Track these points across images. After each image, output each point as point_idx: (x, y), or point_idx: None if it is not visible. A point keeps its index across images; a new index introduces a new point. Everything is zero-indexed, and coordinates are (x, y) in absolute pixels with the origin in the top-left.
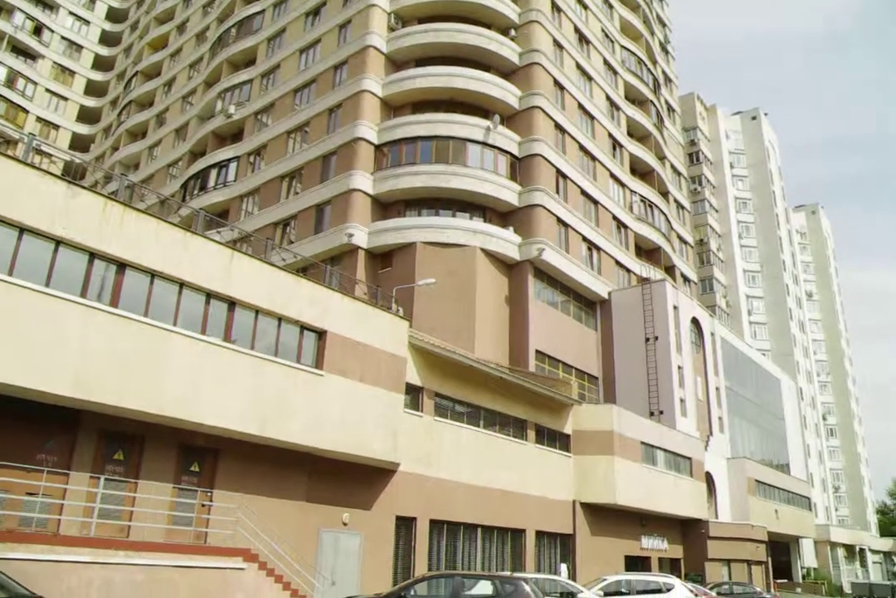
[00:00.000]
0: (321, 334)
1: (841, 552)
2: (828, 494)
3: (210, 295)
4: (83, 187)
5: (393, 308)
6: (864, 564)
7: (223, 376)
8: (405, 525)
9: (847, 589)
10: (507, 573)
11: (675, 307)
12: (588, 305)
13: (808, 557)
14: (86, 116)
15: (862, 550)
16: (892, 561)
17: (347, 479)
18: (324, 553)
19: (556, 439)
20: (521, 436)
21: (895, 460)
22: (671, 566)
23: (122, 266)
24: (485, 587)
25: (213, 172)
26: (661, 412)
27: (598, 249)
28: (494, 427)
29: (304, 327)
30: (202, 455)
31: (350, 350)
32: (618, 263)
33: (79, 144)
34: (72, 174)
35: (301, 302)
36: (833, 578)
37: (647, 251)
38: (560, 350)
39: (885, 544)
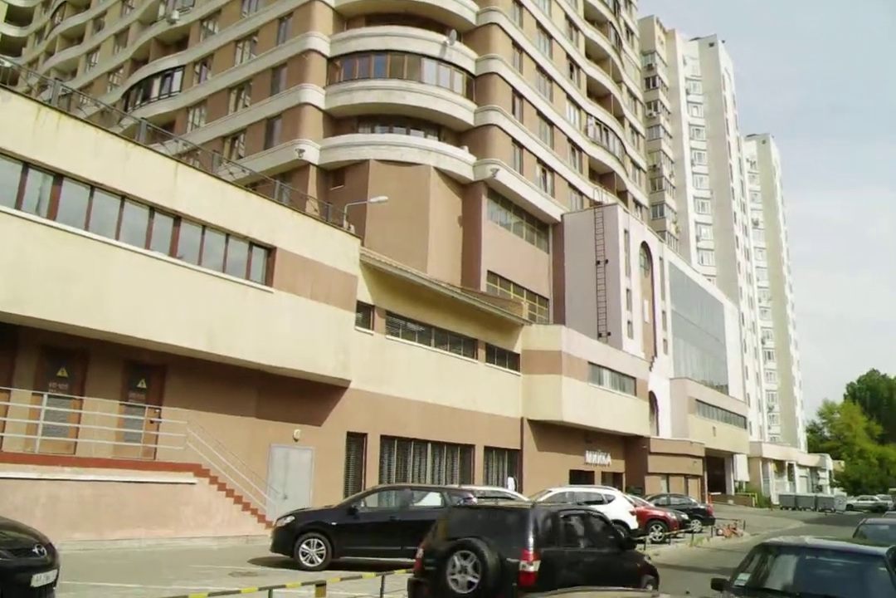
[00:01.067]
0: (271, 251)
1: (771, 467)
2: (762, 413)
3: (154, 209)
4: (13, 92)
5: (344, 226)
6: (791, 478)
7: (170, 293)
8: (356, 441)
9: (775, 501)
10: (456, 486)
11: (625, 231)
12: (541, 227)
13: (741, 471)
14: (15, 16)
15: (791, 465)
16: (817, 476)
17: (298, 395)
18: (275, 468)
19: (505, 359)
20: (471, 355)
21: (826, 382)
22: (613, 479)
23: (59, 177)
24: (434, 498)
25: (157, 82)
26: (609, 334)
27: (553, 171)
28: (446, 346)
29: (253, 244)
30: (149, 372)
31: (300, 267)
32: (571, 186)
33: (8, 46)
34: (0, 78)
35: (250, 218)
36: (763, 491)
37: (600, 175)
38: (512, 271)
39: (812, 460)
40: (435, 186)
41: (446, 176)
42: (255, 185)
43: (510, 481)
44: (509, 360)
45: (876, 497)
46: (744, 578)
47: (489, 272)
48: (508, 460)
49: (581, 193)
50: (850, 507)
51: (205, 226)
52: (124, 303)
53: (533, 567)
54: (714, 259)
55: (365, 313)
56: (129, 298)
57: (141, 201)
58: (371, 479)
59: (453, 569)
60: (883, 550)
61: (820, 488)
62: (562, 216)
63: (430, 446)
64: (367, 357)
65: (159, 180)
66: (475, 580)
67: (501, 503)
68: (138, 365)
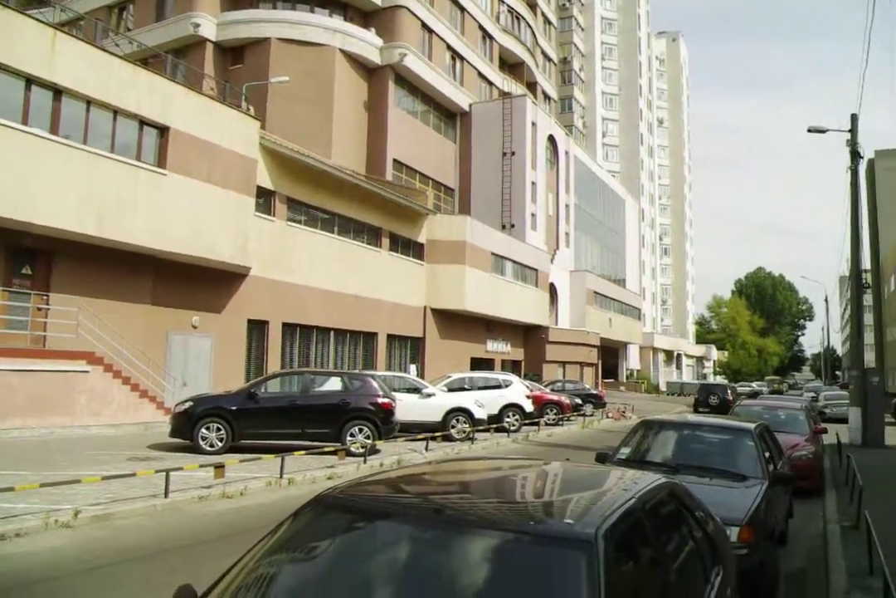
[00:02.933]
0: (163, 131)
1: (661, 357)
2: (656, 306)
3: (31, 81)
4: None
5: (243, 107)
6: (679, 367)
7: (53, 173)
8: (257, 328)
9: (663, 388)
10: (357, 371)
11: (533, 124)
12: (449, 116)
13: (633, 360)
14: None
15: (679, 355)
16: (702, 365)
17: (196, 282)
18: (173, 355)
19: (410, 248)
20: (375, 244)
21: (716, 278)
22: (513, 367)
23: None
24: (334, 383)
25: None
26: (513, 226)
27: (462, 59)
28: (349, 234)
29: (143, 122)
30: (34, 257)
31: (196, 149)
32: (481, 75)
33: None
34: None
35: (140, 94)
36: (652, 378)
37: (510, 65)
38: (418, 160)
39: (699, 350)
40: (340, 70)
41: (352, 59)
42: (145, 61)
43: (412, 367)
44: (413, 249)
45: (753, 384)
46: (626, 451)
47: (395, 161)
48: (411, 348)
49: (490, 83)
50: None
51: (90, 102)
52: (1, 183)
53: None
54: (618, 156)
55: (265, 199)
56: (6, 177)
57: (15, 72)
58: (273, 366)
59: None
60: (751, 425)
61: (704, 376)
62: (470, 106)
63: (332, 333)
64: (267, 244)
65: (35, 49)
66: None
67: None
68: (22, 250)
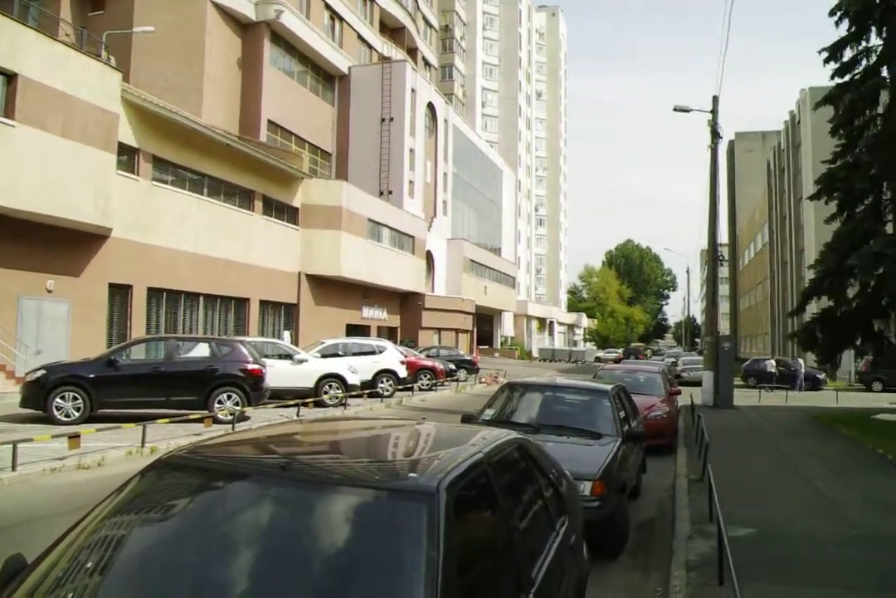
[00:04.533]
0: (11, 78)
1: (535, 324)
2: (530, 275)
3: None
4: None
5: (103, 56)
6: (551, 333)
7: None
8: (120, 293)
9: (536, 354)
10: (226, 337)
11: (413, 90)
12: (327, 79)
13: (507, 327)
14: None
15: (552, 322)
16: (573, 332)
17: (51, 244)
18: (26, 321)
19: (284, 212)
20: (247, 207)
21: (588, 248)
22: (389, 333)
23: None
24: (202, 349)
25: None
26: (391, 192)
27: (342, 20)
28: (220, 197)
29: None
30: None
31: (50, 100)
32: (361, 38)
33: None
34: None
35: None
36: (526, 345)
37: (391, 30)
38: (294, 123)
39: (570, 318)
40: (212, 24)
41: (225, 13)
42: None
43: (286, 334)
44: (288, 213)
45: (619, 350)
46: (490, 413)
47: (270, 122)
48: (285, 314)
49: (370, 47)
50: (598, 359)
51: None
52: None
53: None
54: (497, 126)
55: (129, 157)
56: None
57: None
58: (138, 333)
59: None
60: (608, 387)
61: (575, 343)
62: (349, 69)
63: (202, 299)
64: (131, 205)
65: None
66: None
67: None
68: None
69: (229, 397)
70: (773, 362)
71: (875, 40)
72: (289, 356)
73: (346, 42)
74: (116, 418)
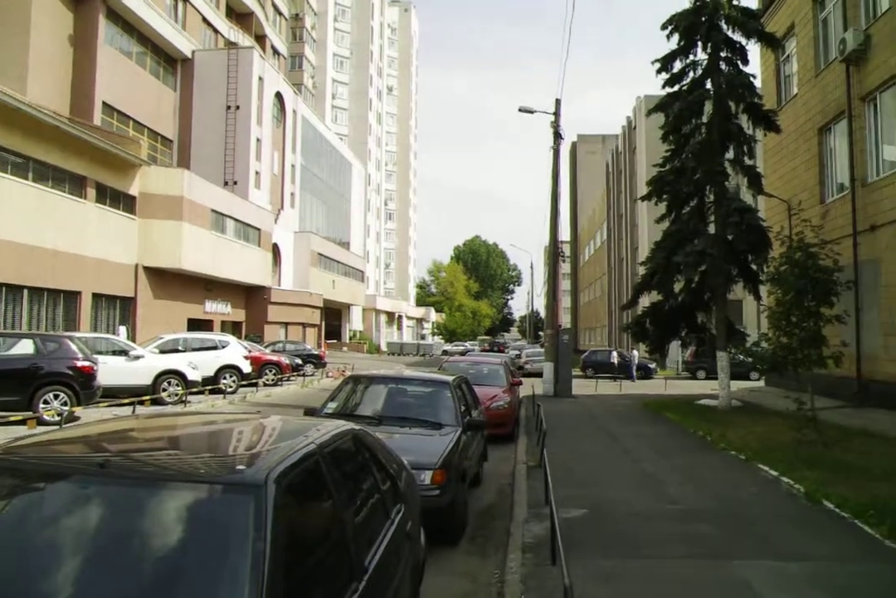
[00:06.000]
0: None
1: (383, 318)
2: (380, 269)
3: None
4: None
5: None
6: (400, 327)
7: None
8: None
9: (384, 348)
10: (53, 333)
11: (260, 78)
12: (169, 62)
13: (356, 321)
14: None
15: (400, 316)
16: (421, 326)
17: None
18: None
19: (120, 201)
20: (79, 194)
21: (437, 243)
22: (233, 328)
23: None
24: (25, 346)
25: None
26: (236, 183)
27: (185, 0)
28: (48, 182)
29: None
30: None
31: None
32: (206, 21)
33: None
34: None
35: None
36: (374, 339)
37: (238, 15)
38: (132, 106)
39: (419, 312)
40: None
41: None
42: None
43: (122, 329)
44: (125, 202)
45: (466, 344)
46: (332, 406)
47: (105, 104)
48: (121, 309)
49: (216, 31)
50: (445, 352)
51: None
52: None
53: None
54: (347, 119)
55: None
56: None
57: None
58: None
59: None
60: (450, 379)
61: (423, 337)
62: (193, 53)
63: (26, 292)
64: None
65: None
66: None
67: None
68: None
69: (56, 397)
70: (616, 353)
71: (701, 55)
72: (124, 352)
73: (190, 24)
74: None
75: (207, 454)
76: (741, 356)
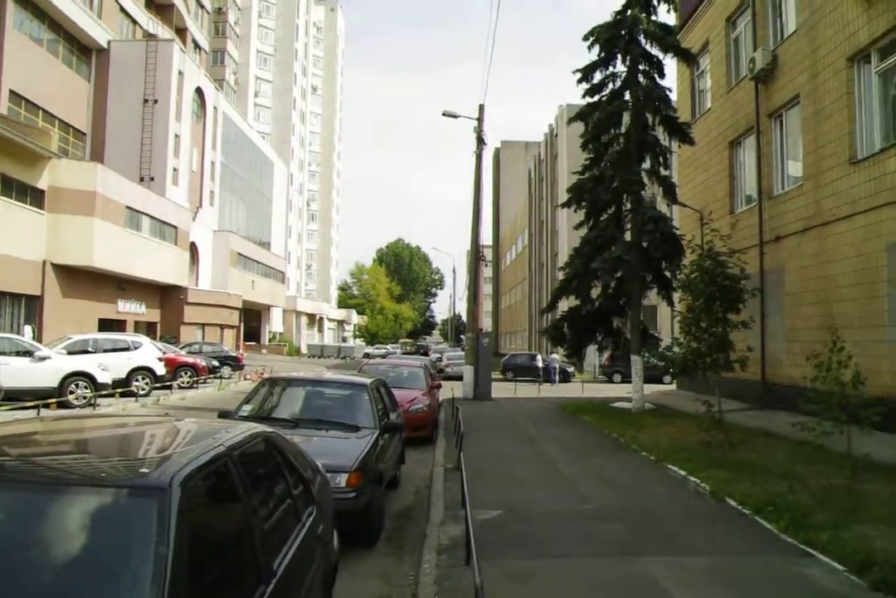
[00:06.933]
0: None
1: (304, 320)
2: (301, 270)
3: None
4: None
5: None
6: (321, 330)
7: None
8: None
9: (305, 350)
10: None
11: (180, 72)
12: (83, 51)
13: (276, 323)
14: None
15: (321, 318)
16: (343, 328)
17: None
18: None
19: (27, 194)
20: None
21: (360, 245)
22: (148, 329)
23: None
24: None
25: None
26: (152, 179)
27: None
28: None
29: None
30: None
31: None
32: (123, 10)
33: None
34: None
35: None
36: (295, 341)
37: (158, 6)
38: (42, 96)
39: (340, 314)
40: None
41: None
42: None
43: (27, 329)
44: (32, 196)
45: (388, 346)
46: (248, 408)
47: (12, 92)
48: (26, 307)
49: (134, 22)
50: (366, 355)
51: None
52: None
53: None
54: (270, 118)
55: None
56: None
57: None
58: None
59: None
60: (367, 381)
61: (345, 339)
62: (109, 43)
63: None
64: None
65: None
66: None
67: None
68: None
69: None
70: (541, 357)
71: (621, 67)
72: (28, 353)
73: (107, 13)
74: None
75: (114, 458)
76: (654, 360)
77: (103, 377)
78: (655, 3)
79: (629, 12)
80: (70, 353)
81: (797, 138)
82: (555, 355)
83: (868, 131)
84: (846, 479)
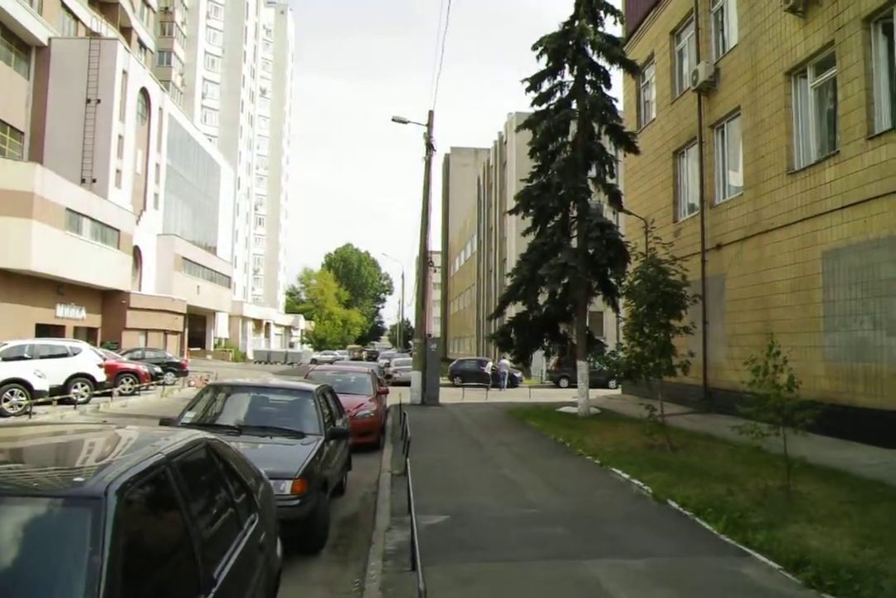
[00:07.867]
0: None
1: (251, 325)
2: (248, 275)
3: None
4: None
5: None
6: (268, 335)
7: None
8: None
9: (251, 356)
10: None
11: (125, 72)
12: (22, 47)
13: (221, 328)
14: None
15: (268, 324)
16: (290, 334)
17: None
18: None
19: None
20: None
21: (309, 250)
22: (88, 334)
23: None
24: None
25: None
26: (94, 181)
27: None
28: None
29: None
30: None
31: None
32: (65, 6)
33: None
34: None
35: None
36: (241, 347)
37: (102, 4)
38: None
39: (287, 319)
40: None
41: None
42: None
43: None
44: None
45: (336, 352)
46: (190, 415)
47: None
48: None
49: (77, 19)
50: (314, 360)
51: None
52: None
53: None
54: (218, 120)
55: None
56: None
57: None
58: None
59: None
60: (313, 387)
61: (292, 345)
62: (50, 40)
63: None
64: None
65: None
66: None
67: None
68: None
69: None
70: (491, 363)
71: (568, 76)
72: None
73: (48, 9)
74: None
75: (49, 467)
76: (600, 365)
77: (40, 384)
78: (602, 15)
79: (577, 23)
80: (5, 359)
81: (738, 149)
82: (505, 361)
83: (805, 143)
84: (782, 480)
